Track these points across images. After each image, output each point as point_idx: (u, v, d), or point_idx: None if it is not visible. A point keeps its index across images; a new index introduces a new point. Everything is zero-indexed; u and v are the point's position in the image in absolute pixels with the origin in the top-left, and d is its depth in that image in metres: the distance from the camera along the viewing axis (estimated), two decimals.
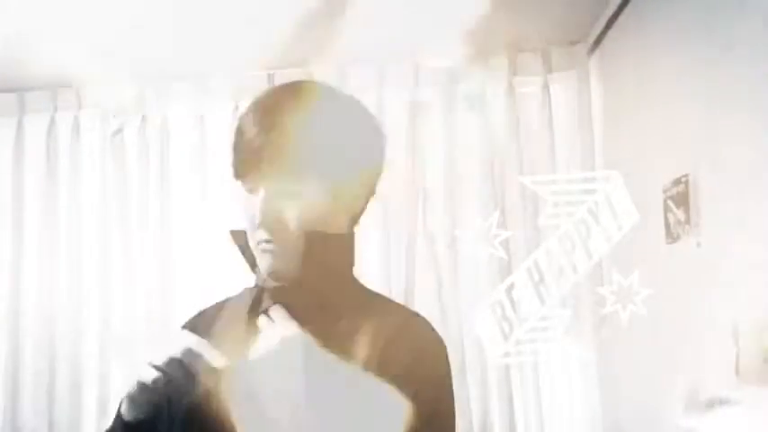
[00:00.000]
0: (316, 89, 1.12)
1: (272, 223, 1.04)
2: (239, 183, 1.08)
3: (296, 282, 1.06)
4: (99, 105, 2.90)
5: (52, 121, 2.92)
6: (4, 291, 2.85)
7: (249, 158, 1.05)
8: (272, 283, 1.08)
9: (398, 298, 2.64)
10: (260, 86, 2.57)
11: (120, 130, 2.90)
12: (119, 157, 2.89)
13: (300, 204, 1.04)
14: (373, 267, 2.68)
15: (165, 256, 2.81)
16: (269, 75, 2.74)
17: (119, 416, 1.04)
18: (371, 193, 1.14)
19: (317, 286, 1.07)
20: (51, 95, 2.92)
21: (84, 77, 2.86)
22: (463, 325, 2.64)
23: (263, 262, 1.07)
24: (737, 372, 1.54)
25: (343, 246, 1.12)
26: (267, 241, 1.05)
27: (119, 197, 2.87)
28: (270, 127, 1.03)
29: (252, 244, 1.08)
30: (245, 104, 1.11)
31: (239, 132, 1.07)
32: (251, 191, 1.06)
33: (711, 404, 1.43)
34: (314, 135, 1.04)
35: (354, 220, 1.14)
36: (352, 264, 1.14)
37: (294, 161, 1.03)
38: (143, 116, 2.89)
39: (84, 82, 2.88)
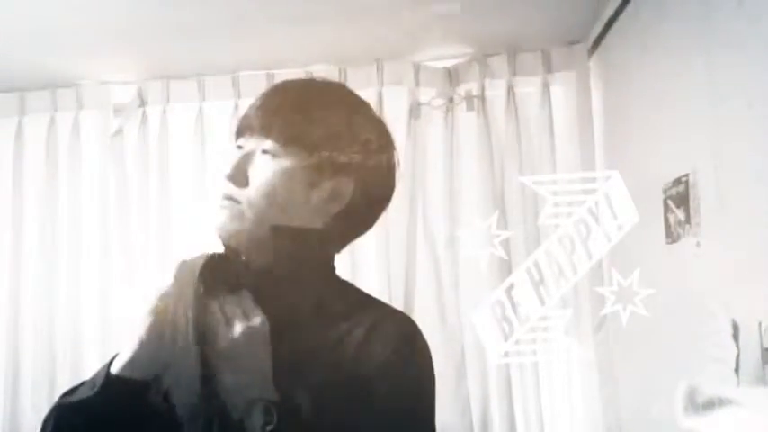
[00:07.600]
0: (322, 81, 1.15)
1: (237, 176, 1.04)
2: (236, 145, 1.08)
3: (265, 270, 1.02)
4: (99, 105, 2.90)
5: (52, 121, 2.92)
6: (4, 290, 2.86)
7: (244, 123, 1.08)
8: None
9: (398, 299, 2.65)
10: (260, 86, 2.62)
11: (120, 130, 2.90)
12: (119, 157, 2.89)
13: (272, 167, 1.03)
14: (373, 268, 2.67)
15: (165, 256, 2.81)
16: (269, 75, 2.74)
17: (106, 373, 1.00)
18: (367, 197, 1.12)
19: (286, 278, 1.03)
20: (51, 95, 2.92)
21: (84, 77, 2.86)
22: (463, 325, 2.64)
23: (218, 219, 1.06)
24: (737, 372, 1.54)
25: (315, 240, 1.07)
26: (226, 197, 1.05)
27: (119, 197, 2.87)
28: (269, 101, 1.08)
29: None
30: (244, 104, 1.10)
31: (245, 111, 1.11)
32: (238, 149, 1.07)
33: (711, 404, 1.43)
34: (306, 112, 1.05)
35: (338, 217, 1.08)
36: (328, 259, 1.12)
37: (281, 129, 1.04)
38: (143, 116, 2.89)
39: (84, 82, 2.88)
